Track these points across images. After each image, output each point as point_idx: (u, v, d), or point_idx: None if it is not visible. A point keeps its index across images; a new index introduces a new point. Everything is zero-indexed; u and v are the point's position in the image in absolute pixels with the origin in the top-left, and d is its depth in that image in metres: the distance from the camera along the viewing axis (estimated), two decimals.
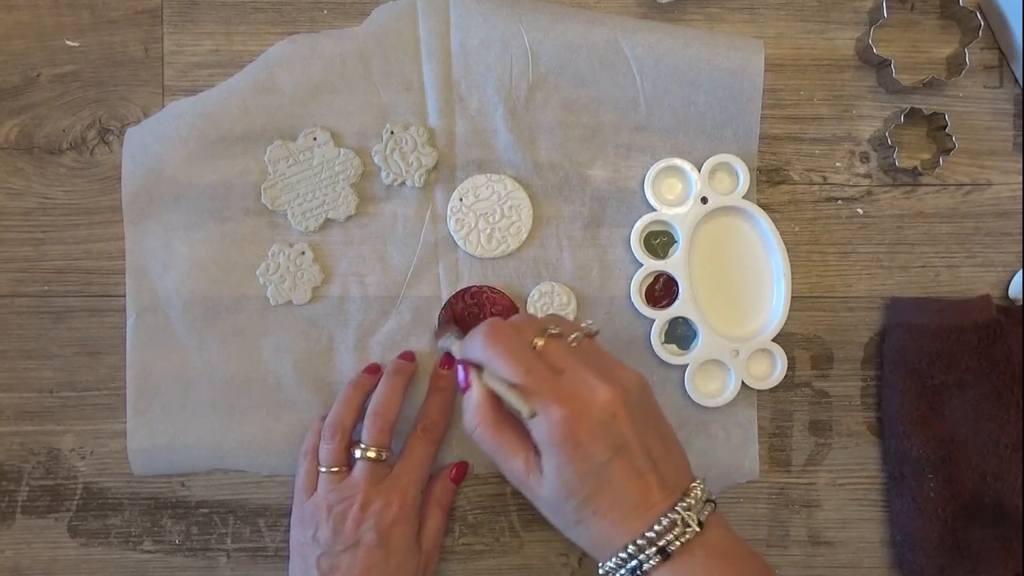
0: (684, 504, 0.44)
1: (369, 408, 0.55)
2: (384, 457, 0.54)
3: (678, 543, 0.44)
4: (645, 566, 0.44)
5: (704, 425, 0.59)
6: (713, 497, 0.46)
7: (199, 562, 0.59)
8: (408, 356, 0.58)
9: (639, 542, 0.44)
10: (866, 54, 0.59)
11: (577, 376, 0.46)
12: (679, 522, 0.44)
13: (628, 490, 0.44)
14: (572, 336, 0.48)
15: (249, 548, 0.59)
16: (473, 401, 0.48)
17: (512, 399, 0.45)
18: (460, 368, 0.49)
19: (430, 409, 0.56)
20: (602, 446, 0.44)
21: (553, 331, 0.48)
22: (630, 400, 0.46)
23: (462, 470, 0.58)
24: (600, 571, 0.46)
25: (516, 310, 0.58)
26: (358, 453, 0.54)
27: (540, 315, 0.58)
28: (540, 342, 0.47)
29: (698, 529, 0.44)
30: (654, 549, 0.44)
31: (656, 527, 0.44)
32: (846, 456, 0.60)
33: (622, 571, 0.45)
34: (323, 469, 0.54)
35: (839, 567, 0.60)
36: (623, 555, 0.44)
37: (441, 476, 0.57)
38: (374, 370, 0.57)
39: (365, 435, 0.54)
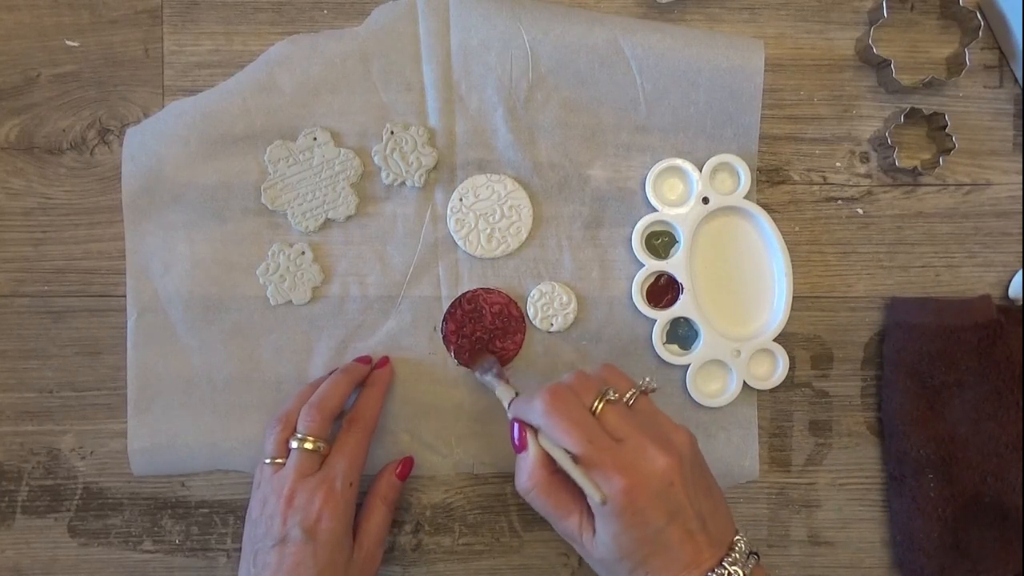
0: (730, 559, 0.46)
1: (309, 400, 0.54)
2: (320, 448, 0.53)
3: None
4: None
5: (704, 425, 0.59)
6: (756, 550, 0.48)
7: (199, 562, 0.59)
8: (365, 360, 0.58)
9: None
10: (866, 54, 0.59)
11: (636, 445, 0.46)
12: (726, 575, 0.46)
13: (681, 551, 0.46)
14: (628, 394, 0.48)
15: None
16: (528, 463, 0.48)
17: (579, 479, 0.45)
18: (515, 427, 0.49)
19: (361, 402, 0.56)
20: (659, 513, 0.45)
21: (611, 397, 0.48)
22: (684, 466, 0.46)
23: (408, 466, 0.58)
24: None
25: (515, 305, 0.58)
26: (293, 444, 0.53)
27: (538, 317, 0.58)
28: (599, 407, 0.47)
29: None
30: None
31: None
32: (846, 456, 0.60)
33: None
34: (266, 461, 0.53)
35: (839, 567, 0.60)
36: None
37: (387, 471, 0.57)
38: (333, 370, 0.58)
39: (300, 425, 0.53)
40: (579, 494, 0.47)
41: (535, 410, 0.48)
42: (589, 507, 0.47)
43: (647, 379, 0.49)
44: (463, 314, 0.58)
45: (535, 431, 0.48)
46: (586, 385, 0.49)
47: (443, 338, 0.58)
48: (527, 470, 0.48)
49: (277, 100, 0.58)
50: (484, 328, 0.58)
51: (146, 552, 0.59)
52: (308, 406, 0.54)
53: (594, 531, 0.46)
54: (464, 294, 0.58)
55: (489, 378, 0.54)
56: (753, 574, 0.46)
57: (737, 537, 0.47)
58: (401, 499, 0.59)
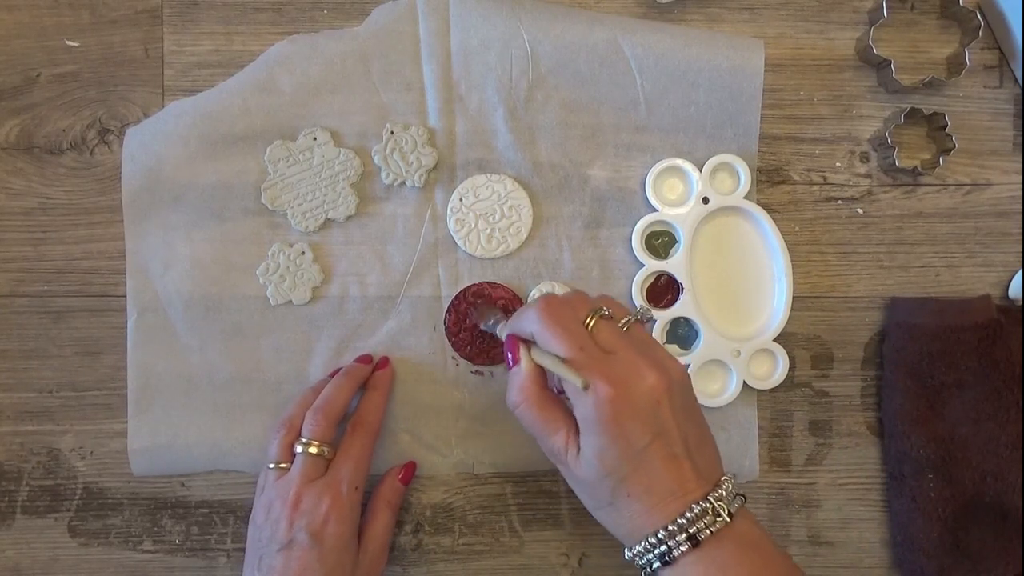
0: (716, 494, 0.45)
1: (313, 404, 0.54)
2: (324, 453, 0.53)
3: (708, 532, 0.44)
4: (675, 552, 0.44)
5: None
6: (743, 492, 0.47)
7: (199, 562, 0.59)
8: (365, 360, 0.58)
9: (670, 528, 0.44)
10: (866, 54, 0.59)
11: (627, 359, 0.46)
12: (710, 511, 0.44)
13: (664, 475, 0.45)
14: (624, 320, 0.48)
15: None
16: (520, 376, 0.48)
17: (564, 371, 0.45)
18: (507, 343, 0.49)
19: (364, 406, 0.56)
20: (644, 429, 0.45)
21: (605, 312, 0.48)
22: (674, 388, 0.46)
23: (410, 470, 0.58)
24: (627, 555, 0.47)
25: (519, 302, 0.58)
26: (298, 448, 0.53)
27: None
28: (592, 321, 0.47)
29: (728, 520, 0.45)
30: (684, 536, 0.44)
31: (688, 514, 0.44)
32: (846, 456, 0.60)
33: (650, 556, 0.45)
34: (270, 466, 0.54)
35: (839, 567, 0.60)
36: (652, 540, 0.45)
37: (390, 475, 0.57)
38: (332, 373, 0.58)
39: (305, 429, 0.53)
40: (567, 412, 0.47)
41: (529, 318, 0.48)
42: (576, 424, 0.46)
43: (643, 306, 0.49)
44: (466, 307, 0.58)
45: (528, 347, 0.48)
46: (581, 300, 0.49)
47: (445, 329, 0.58)
48: (518, 384, 0.48)
49: (277, 100, 0.58)
50: None
51: (146, 552, 0.59)
52: (313, 410, 0.54)
53: (579, 448, 0.46)
54: (469, 287, 0.58)
55: (491, 325, 0.54)
56: (739, 513, 0.45)
57: (725, 477, 0.46)
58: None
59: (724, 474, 0.47)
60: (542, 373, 0.48)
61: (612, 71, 0.58)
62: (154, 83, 0.59)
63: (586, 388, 0.44)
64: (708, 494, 0.45)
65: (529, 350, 0.48)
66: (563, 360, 0.46)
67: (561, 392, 0.49)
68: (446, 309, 0.58)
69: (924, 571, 0.57)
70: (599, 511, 0.47)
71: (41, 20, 0.59)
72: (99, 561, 0.59)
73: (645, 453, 0.45)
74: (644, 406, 0.45)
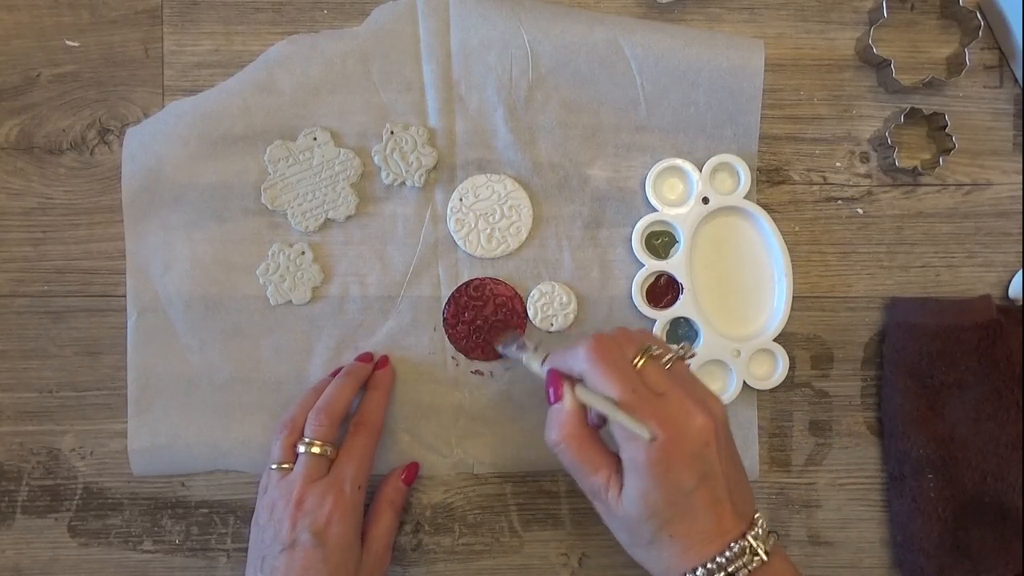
0: (753, 533, 0.46)
1: (316, 404, 0.54)
2: (327, 453, 0.53)
3: (746, 570, 0.45)
4: None
5: None
6: (774, 528, 0.48)
7: (199, 562, 0.59)
8: (366, 358, 0.58)
9: (709, 566, 0.45)
10: (866, 54, 0.59)
11: (677, 400, 0.46)
12: (748, 550, 0.45)
13: (707, 517, 0.45)
14: (667, 358, 0.48)
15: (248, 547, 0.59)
16: (562, 414, 0.48)
17: (622, 418, 0.45)
18: (550, 379, 0.49)
19: (365, 406, 0.56)
20: (692, 473, 0.45)
21: (655, 352, 0.48)
22: (720, 430, 0.46)
23: (413, 471, 0.58)
24: None
25: (520, 300, 0.58)
26: (301, 448, 0.53)
27: (538, 317, 0.58)
28: (641, 361, 0.47)
29: (765, 559, 0.45)
30: (723, 575, 0.45)
31: (727, 553, 0.45)
32: (846, 456, 0.60)
33: None
34: (272, 466, 0.54)
35: (839, 567, 0.60)
36: None
37: (392, 476, 0.57)
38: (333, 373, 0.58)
39: (308, 429, 0.53)
40: (608, 452, 0.47)
41: (577, 357, 0.47)
42: (618, 463, 0.46)
43: (684, 344, 0.49)
44: (467, 300, 0.58)
45: (571, 383, 0.48)
46: (629, 339, 0.48)
47: (443, 321, 0.58)
48: (560, 421, 0.47)
49: (277, 100, 0.58)
50: (484, 317, 0.58)
51: (146, 552, 0.59)
52: (316, 410, 0.54)
53: (621, 488, 0.46)
54: (471, 281, 0.58)
55: (514, 351, 0.54)
56: (773, 551, 0.46)
57: (758, 515, 0.47)
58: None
59: (756, 510, 0.48)
60: (584, 410, 0.48)
61: (612, 71, 0.58)
62: (154, 83, 0.59)
63: (654, 439, 0.44)
64: (746, 533, 0.46)
65: (572, 387, 0.48)
66: (615, 402, 0.45)
67: (599, 427, 0.49)
68: (446, 300, 0.58)
69: (924, 571, 0.57)
70: (635, 548, 0.48)
71: (41, 20, 0.59)
72: (99, 561, 0.59)
73: (690, 498, 0.45)
74: (693, 450, 0.45)
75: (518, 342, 0.54)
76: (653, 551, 0.46)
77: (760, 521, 0.47)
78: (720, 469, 0.46)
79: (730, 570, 0.45)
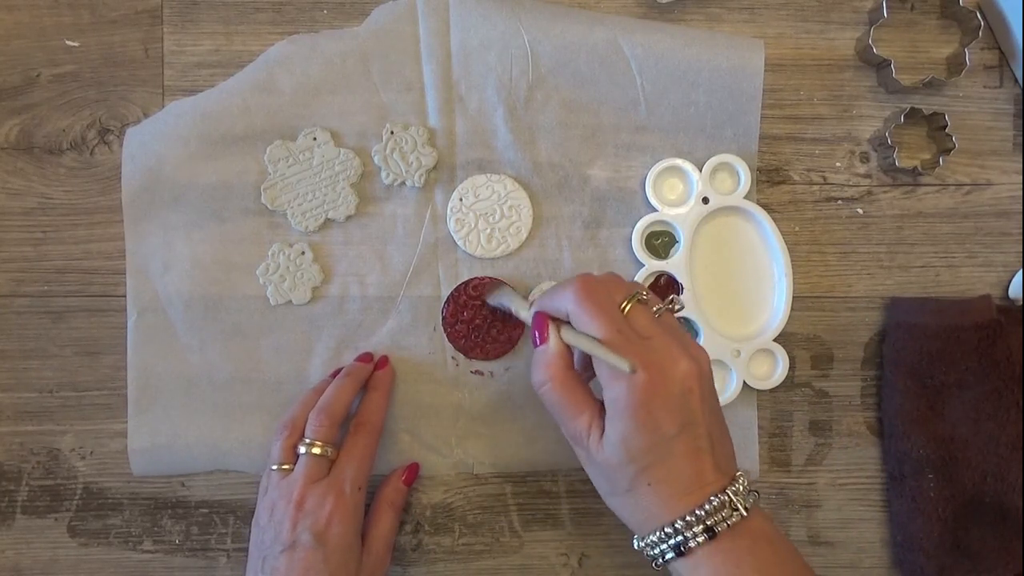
0: (734, 488, 0.45)
1: (316, 405, 0.54)
2: (328, 453, 0.53)
3: (725, 524, 0.44)
4: (690, 543, 0.44)
5: None
6: (756, 489, 0.47)
7: (199, 562, 0.59)
8: (366, 358, 0.58)
9: (687, 519, 0.44)
10: (866, 54, 0.59)
11: (662, 344, 0.45)
12: (728, 504, 0.45)
13: (686, 467, 0.45)
14: (656, 308, 0.48)
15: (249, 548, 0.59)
16: (547, 355, 0.47)
17: (605, 353, 0.44)
18: (535, 320, 0.48)
19: (366, 406, 0.56)
20: (673, 418, 0.44)
21: (643, 297, 0.47)
22: (704, 378, 0.46)
23: (413, 471, 0.58)
24: (636, 544, 0.47)
25: None
26: (301, 449, 0.53)
27: None
28: (628, 305, 0.47)
29: (744, 513, 0.45)
30: (701, 527, 0.44)
31: (706, 506, 0.44)
32: (846, 456, 0.60)
33: (663, 546, 0.45)
34: (273, 467, 0.54)
35: (839, 567, 0.60)
36: (668, 530, 0.45)
37: (393, 477, 0.57)
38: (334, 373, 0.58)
39: (308, 430, 0.53)
40: (591, 395, 0.47)
41: (565, 297, 0.47)
42: (601, 409, 0.46)
43: (674, 297, 0.49)
44: (466, 299, 0.58)
45: (558, 325, 0.48)
46: (617, 283, 0.48)
47: (442, 320, 0.58)
48: (544, 362, 0.47)
49: (277, 100, 0.58)
50: (483, 316, 0.58)
51: (146, 552, 0.59)
52: (316, 411, 0.54)
53: (602, 432, 0.46)
54: (470, 280, 0.58)
55: (504, 300, 0.54)
56: (753, 509, 0.45)
57: (740, 472, 0.47)
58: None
59: (738, 469, 0.47)
60: (569, 353, 0.48)
61: (612, 71, 0.58)
62: (154, 83, 0.59)
63: (634, 372, 0.43)
64: (726, 487, 0.45)
65: (559, 329, 0.48)
66: (599, 341, 0.45)
67: (587, 378, 0.49)
68: (445, 300, 0.58)
69: (924, 571, 0.57)
70: (613, 497, 0.47)
71: (41, 20, 0.59)
72: (99, 561, 0.59)
73: (671, 443, 0.45)
74: (676, 394, 0.45)
75: (507, 295, 0.54)
76: (631, 500, 0.46)
77: (742, 478, 0.46)
78: (702, 419, 0.45)
79: (708, 523, 0.44)
